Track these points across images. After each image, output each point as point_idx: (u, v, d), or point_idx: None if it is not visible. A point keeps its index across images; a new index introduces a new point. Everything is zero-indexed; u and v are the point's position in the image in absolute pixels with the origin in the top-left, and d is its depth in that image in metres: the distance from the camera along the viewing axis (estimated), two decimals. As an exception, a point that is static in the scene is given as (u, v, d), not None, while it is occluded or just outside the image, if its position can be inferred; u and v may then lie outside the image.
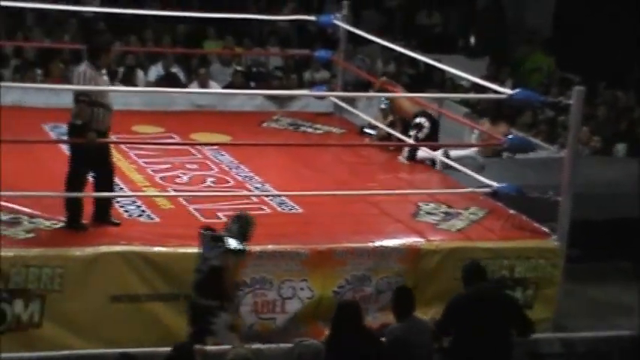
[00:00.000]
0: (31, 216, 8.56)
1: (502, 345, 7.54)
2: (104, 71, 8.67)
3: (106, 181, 8.69)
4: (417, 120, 11.31)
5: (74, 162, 8.57)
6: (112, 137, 10.55)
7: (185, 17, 14.51)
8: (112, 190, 8.81)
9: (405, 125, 11.45)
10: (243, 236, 8.07)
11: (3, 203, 8.46)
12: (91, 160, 8.51)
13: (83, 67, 8.49)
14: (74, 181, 8.51)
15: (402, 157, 11.24)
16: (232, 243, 7.95)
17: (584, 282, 9.96)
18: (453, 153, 11.02)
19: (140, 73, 13.70)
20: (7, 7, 13.89)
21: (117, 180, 9.61)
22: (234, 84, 13.65)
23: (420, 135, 11.21)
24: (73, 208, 8.49)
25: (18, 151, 9.45)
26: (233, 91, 13.35)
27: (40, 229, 8.39)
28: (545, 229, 9.44)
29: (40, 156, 9.88)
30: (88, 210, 8.61)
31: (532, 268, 9.17)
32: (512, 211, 9.80)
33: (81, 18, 14.83)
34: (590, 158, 12.04)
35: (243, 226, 8.10)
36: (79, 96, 8.41)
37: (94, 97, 8.42)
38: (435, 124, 11.33)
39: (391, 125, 11.54)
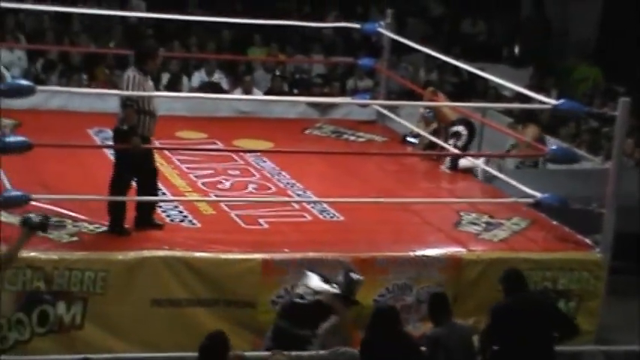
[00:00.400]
0: (75, 220, 8.62)
1: (545, 356, 7.48)
2: (149, 77, 8.71)
3: (148, 187, 8.73)
4: (455, 128, 11.27)
5: (118, 167, 8.62)
6: (156, 142, 10.67)
7: (229, 23, 14.58)
8: (154, 196, 8.85)
9: (447, 133, 11.43)
10: (350, 292, 8.02)
11: (48, 206, 8.52)
12: (134, 166, 8.56)
13: (131, 73, 8.53)
14: (118, 186, 8.56)
15: (444, 167, 11.21)
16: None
17: (627, 295, 9.86)
18: (462, 162, 11.04)
19: (184, 80, 13.77)
20: (55, 13, 14.11)
21: (159, 185, 9.69)
22: (273, 89, 13.67)
23: (459, 143, 11.16)
24: (117, 212, 8.54)
25: (63, 155, 9.53)
26: (276, 98, 13.37)
27: (84, 233, 8.45)
28: (589, 241, 9.37)
29: (84, 160, 9.96)
30: (131, 215, 8.65)
31: (575, 280, 9.11)
32: (555, 222, 9.74)
33: (126, 24, 14.94)
34: (634, 170, 11.94)
35: (350, 284, 8.02)
36: (126, 101, 8.46)
37: (140, 103, 8.46)
38: (472, 131, 11.27)
39: (434, 133, 11.52)
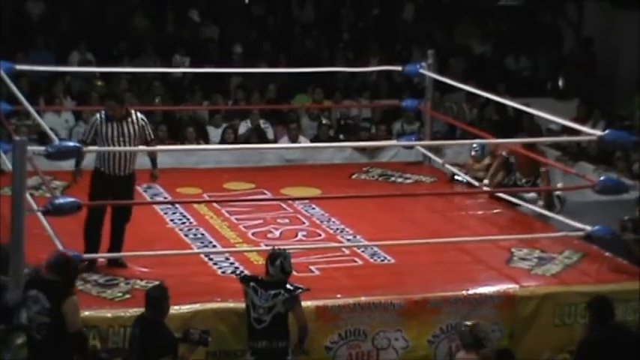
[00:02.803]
0: (128, 277, 8.70)
1: None
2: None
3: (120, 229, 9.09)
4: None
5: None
6: (205, 195, 10.79)
7: (274, 74, 14.73)
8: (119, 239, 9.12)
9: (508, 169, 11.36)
10: (286, 274, 8.05)
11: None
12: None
13: (97, 115, 9.00)
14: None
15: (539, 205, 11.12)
16: (291, 288, 7.99)
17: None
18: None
19: (211, 130, 13.85)
20: (101, 74, 14.34)
21: (210, 237, 9.79)
22: (320, 136, 13.73)
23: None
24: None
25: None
26: (322, 145, 13.42)
27: (137, 289, 8.51)
28: (642, 271, 9.30)
29: (134, 216, 10.01)
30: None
31: (632, 310, 9.01)
32: (607, 254, 9.66)
33: (169, 79, 15.12)
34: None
35: (282, 264, 8.06)
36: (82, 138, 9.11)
37: (99, 143, 8.99)
38: None
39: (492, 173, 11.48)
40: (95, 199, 8.88)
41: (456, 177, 12.00)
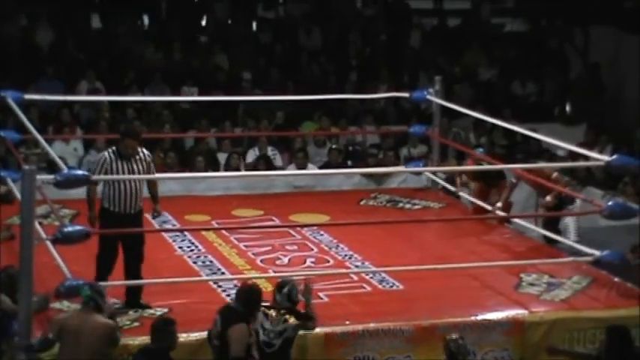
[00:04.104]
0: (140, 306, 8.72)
1: None
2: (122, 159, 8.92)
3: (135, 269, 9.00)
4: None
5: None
6: (213, 222, 10.80)
7: (282, 102, 14.78)
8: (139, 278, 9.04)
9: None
10: (293, 303, 8.03)
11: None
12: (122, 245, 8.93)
13: (105, 153, 8.90)
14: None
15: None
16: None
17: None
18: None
19: (221, 157, 13.88)
20: (110, 103, 14.41)
21: (218, 264, 9.79)
22: (330, 162, 13.75)
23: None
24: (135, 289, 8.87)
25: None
26: (330, 171, 13.42)
27: (145, 317, 8.52)
28: (652, 296, 9.29)
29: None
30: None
31: (641, 335, 9.00)
32: (616, 279, 9.65)
33: (178, 108, 15.17)
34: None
35: (290, 292, 8.03)
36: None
37: (111, 183, 8.87)
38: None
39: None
40: (107, 241, 8.84)
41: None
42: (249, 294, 7.74)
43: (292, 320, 7.90)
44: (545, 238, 11.04)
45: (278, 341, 7.89)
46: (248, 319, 7.63)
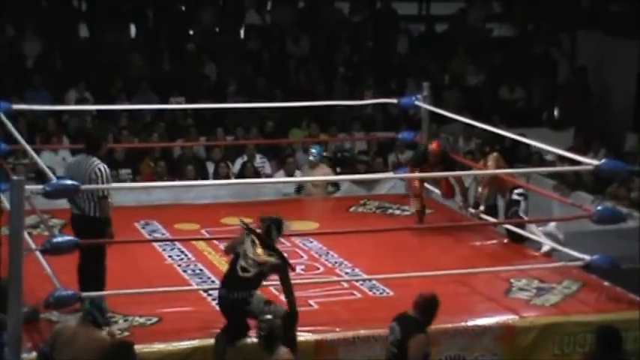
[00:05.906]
0: (126, 314, 8.69)
1: None
2: None
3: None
4: (515, 197, 11.09)
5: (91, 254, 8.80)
6: (203, 231, 10.78)
7: (270, 109, 14.79)
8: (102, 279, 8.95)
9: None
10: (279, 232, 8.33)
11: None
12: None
13: (100, 166, 8.79)
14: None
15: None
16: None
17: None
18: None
19: (210, 166, 13.89)
20: (98, 112, 14.42)
21: (208, 273, 9.77)
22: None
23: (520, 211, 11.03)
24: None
25: (111, 250, 9.59)
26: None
27: (136, 327, 8.50)
28: (642, 300, 9.30)
29: (133, 254, 9.97)
30: None
31: (632, 340, 8.96)
32: (606, 283, 9.66)
33: (167, 117, 15.17)
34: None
35: (277, 228, 8.33)
36: (104, 193, 8.84)
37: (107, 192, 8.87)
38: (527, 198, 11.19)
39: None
40: (103, 248, 8.83)
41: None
42: (429, 303, 7.83)
43: (273, 260, 8.18)
44: (510, 234, 11.00)
45: (254, 270, 8.14)
46: (426, 328, 7.78)
